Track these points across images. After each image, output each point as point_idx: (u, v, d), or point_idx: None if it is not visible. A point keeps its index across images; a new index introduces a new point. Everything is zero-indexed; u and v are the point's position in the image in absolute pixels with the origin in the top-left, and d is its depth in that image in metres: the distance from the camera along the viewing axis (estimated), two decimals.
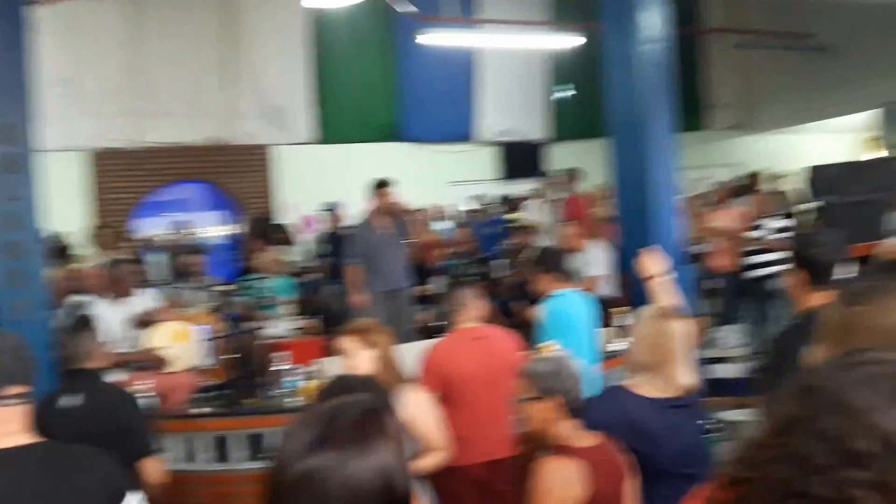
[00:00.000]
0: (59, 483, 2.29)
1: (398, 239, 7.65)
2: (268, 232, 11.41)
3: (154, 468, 3.78)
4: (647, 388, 3.31)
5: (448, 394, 4.30)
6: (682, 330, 3.39)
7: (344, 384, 2.48)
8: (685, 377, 3.34)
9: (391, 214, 7.60)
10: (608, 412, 3.29)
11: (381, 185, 7.64)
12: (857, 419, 1.08)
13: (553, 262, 5.15)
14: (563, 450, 2.98)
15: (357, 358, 3.72)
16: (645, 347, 3.34)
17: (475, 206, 11.17)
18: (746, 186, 12.64)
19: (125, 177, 12.44)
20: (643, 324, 3.41)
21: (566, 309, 4.86)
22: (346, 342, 3.78)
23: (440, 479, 3.88)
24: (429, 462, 3.67)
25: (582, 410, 3.08)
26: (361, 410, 1.37)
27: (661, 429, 3.22)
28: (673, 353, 3.32)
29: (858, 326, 1.40)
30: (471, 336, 4.47)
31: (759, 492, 1.14)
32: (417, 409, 3.66)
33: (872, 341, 1.24)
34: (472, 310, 4.54)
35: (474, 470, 4.21)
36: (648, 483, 3.15)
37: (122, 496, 2.43)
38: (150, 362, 6.12)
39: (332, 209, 10.79)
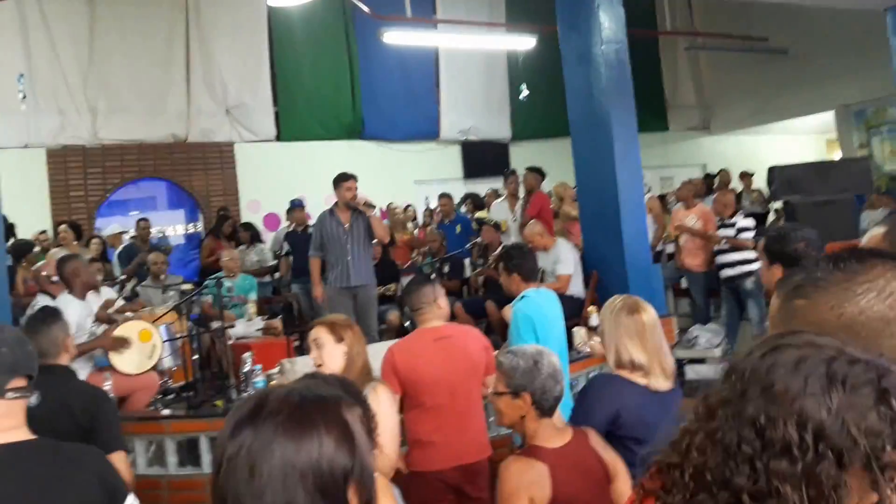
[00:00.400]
0: (60, 481, 2.26)
1: (361, 234, 7.54)
2: (230, 230, 11.25)
3: (122, 465, 3.64)
4: (639, 379, 3.29)
5: (410, 396, 4.16)
6: (655, 319, 3.36)
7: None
8: (669, 367, 3.34)
9: (352, 209, 7.50)
10: (603, 399, 3.27)
11: (343, 178, 7.53)
12: (784, 405, 1.03)
13: (518, 262, 5.03)
14: (530, 450, 2.94)
15: (326, 351, 3.60)
16: (629, 342, 3.28)
17: (439, 204, 11.10)
18: (710, 185, 12.80)
19: (85, 174, 12.23)
20: (621, 319, 3.33)
21: (533, 309, 4.76)
22: (318, 333, 3.66)
23: (410, 484, 3.78)
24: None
25: (553, 409, 3.02)
26: (304, 394, 1.30)
27: (653, 419, 3.15)
28: (657, 345, 3.31)
29: (800, 321, 1.34)
30: (433, 336, 4.27)
31: (685, 479, 1.10)
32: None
33: None
34: (435, 308, 4.36)
35: (446, 475, 4.06)
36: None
37: (123, 496, 2.40)
38: (107, 346, 5.96)
39: (294, 207, 10.66)
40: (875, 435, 1.00)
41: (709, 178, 14.04)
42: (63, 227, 9.68)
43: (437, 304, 4.37)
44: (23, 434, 2.30)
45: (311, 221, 10.45)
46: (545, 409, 2.96)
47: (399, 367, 4.16)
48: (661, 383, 3.28)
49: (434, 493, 4.02)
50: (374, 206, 7.92)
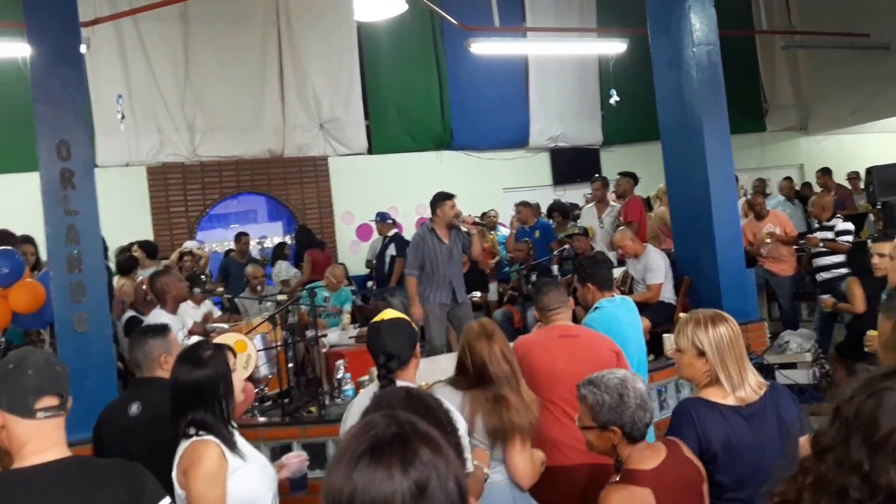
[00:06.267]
0: (87, 497, 2.28)
1: (458, 251, 7.58)
2: (315, 243, 11.43)
3: None
4: (724, 396, 3.12)
5: (531, 389, 4.04)
6: (737, 331, 3.19)
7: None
8: (755, 379, 3.17)
9: (452, 227, 7.52)
10: (690, 425, 3.10)
11: (446, 197, 7.54)
12: (888, 452, 1.02)
13: (591, 272, 4.95)
14: (629, 475, 2.85)
15: None
16: (720, 353, 3.10)
17: (515, 212, 11.17)
18: (804, 187, 12.48)
19: (185, 190, 12.68)
20: (708, 329, 3.13)
21: (604, 321, 4.67)
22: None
23: (538, 481, 3.67)
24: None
25: (644, 435, 2.92)
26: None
27: (739, 439, 3.05)
28: (743, 356, 3.16)
29: None
30: (560, 333, 4.28)
31: None
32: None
33: None
34: (569, 309, 4.39)
35: (571, 472, 3.95)
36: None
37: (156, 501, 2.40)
38: None
39: (381, 219, 10.82)
40: None
41: (788, 179, 13.73)
42: (134, 247, 9.70)
43: (569, 305, 4.41)
44: (56, 453, 2.31)
45: (402, 231, 10.65)
46: (636, 437, 2.88)
47: (520, 356, 4.13)
48: (740, 396, 3.12)
49: (558, 489, 3.93)
50: (484, 225, 7.88)
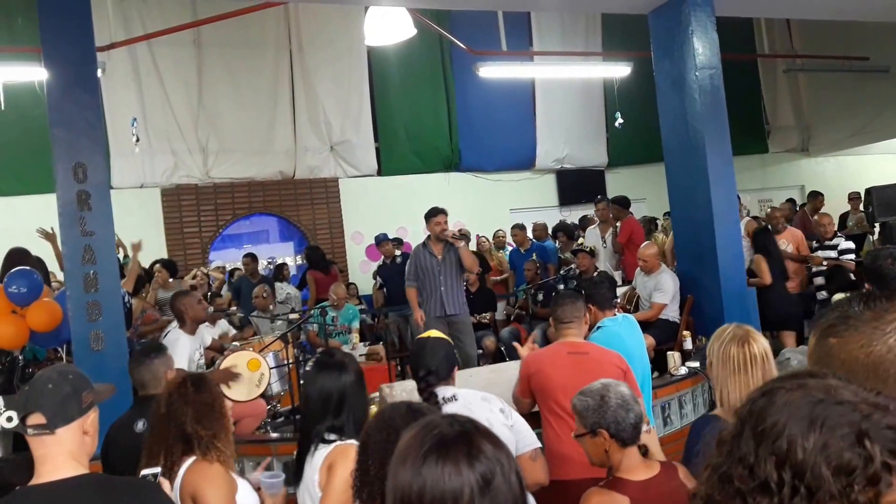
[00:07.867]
0: None
1: (453, 266, 7.73)
2: (324, 263, 11.57)
3: None
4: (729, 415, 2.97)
5: (541, 404, 4.27)
6: (765, 350, 3.11)
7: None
8: None
9: (444, 241, 7.70)
10: (695, 441, 3.11)
11: (433, 212, 7.80)
12: (768, 445, 1.10)
13: (589, 293, 5.08)
14: (613, 482, 2.92)
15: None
16: (734, 378, 3.04)
17: (512, 234, 11.35)
18: (805, 208, 12.54)
19: (198, 211, 12.86)
20: (729, 352, 3.08)
21: (605, 340, 4.77)
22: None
23: (546, 493, 3.75)
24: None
25: (634, 437, 2.99)
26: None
27: None
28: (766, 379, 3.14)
29: (833, 359, 1.37)
30: (569, 349, 4.37)
31: None
32: None
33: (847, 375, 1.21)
34: (583, 324, 4.50)
35: (581, 486, 3.75)
36: None
37: None
38: (223, 381, 6.24)
39: (385, 239, 10.97)
40: (847, 474, 1.06)
41: (791, 201, 13.79)
42: (157, 265, 9.83)
43: (584, 320, 4.52)
44: (70, 470, 2.32)
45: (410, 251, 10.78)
46: (625, 439, 2.98)
47: (531, 372, 4.32)
48: None
49: (568, 501, 3.80)
50: (465, 238, 8.08)
